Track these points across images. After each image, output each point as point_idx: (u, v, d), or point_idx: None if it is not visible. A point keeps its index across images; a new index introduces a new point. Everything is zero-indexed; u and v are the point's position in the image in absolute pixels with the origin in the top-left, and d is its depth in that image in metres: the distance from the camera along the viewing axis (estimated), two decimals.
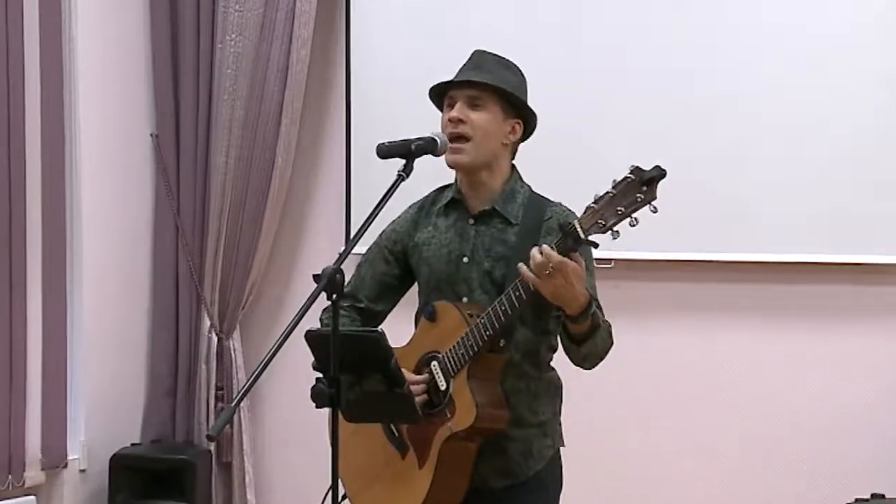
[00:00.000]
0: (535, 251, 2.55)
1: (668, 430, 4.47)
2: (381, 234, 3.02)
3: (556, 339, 2.84)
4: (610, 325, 2.73)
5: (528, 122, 2.87)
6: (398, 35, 4.68)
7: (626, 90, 4.38)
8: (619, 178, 2.46)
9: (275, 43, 4.74)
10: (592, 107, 4.41)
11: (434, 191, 3.01)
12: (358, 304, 2.98)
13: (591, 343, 2.67)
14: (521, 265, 2.58)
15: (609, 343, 2.73)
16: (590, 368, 2.77)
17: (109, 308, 4.77)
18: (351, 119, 4.74)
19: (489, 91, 2.80)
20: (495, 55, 2.86)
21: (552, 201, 2.87)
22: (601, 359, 2.74)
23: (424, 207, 2.98)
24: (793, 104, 4.23)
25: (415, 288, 3.01)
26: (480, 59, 2.85)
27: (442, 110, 2.88)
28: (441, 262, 2.87)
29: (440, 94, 2.88)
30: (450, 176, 2.91)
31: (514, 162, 2.91)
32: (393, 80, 4.63)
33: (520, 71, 2.88)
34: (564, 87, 4.39)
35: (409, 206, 3.01)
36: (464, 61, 2.87)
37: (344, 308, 2.94)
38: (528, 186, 2.91)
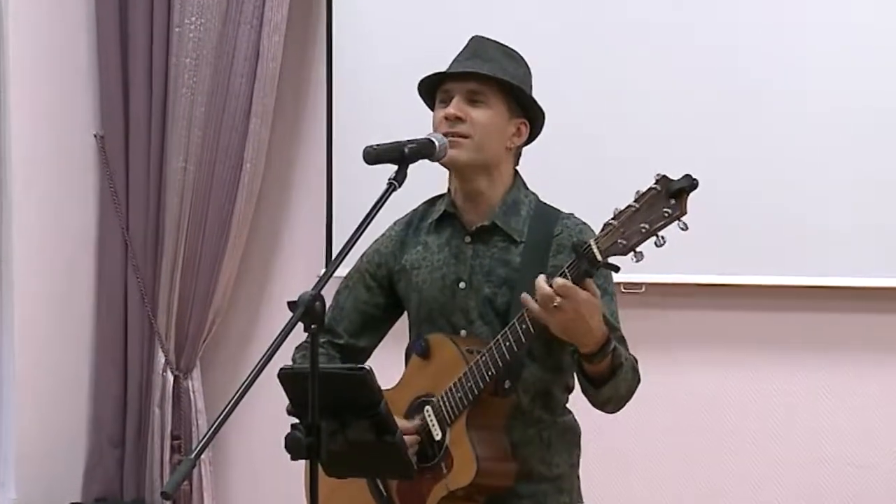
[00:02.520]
0: (540, 280, 2.56)
1: (706, 484, 4.47)
2: (362, 257, 3.02)
3: (573, 376, 2.86)
4: (635, 361, 2.74)
5: (534, 122, 2.88)
6: (389, 19, 4.70)
7: (651, 85, 4.39)
8: (642, 190, 2.48)
9: (242, 27, 4.77)
10: (611, 105, 4.42)
11: (423, 203, 3.01)
12: (336, 340, 2.98)
13: (611, 385, 2.68)
14: (525, 296, 2.59)
15: (635, 382, 2.74)
16: (613, 412, 2.78)
17: (44, 342, 4.78)
18: (333, 118, 4.75)
19: (492, 85, 2.80)
20: (497, 42, 2.87)
21: (563, 212, 2.88)
22: (626, 401, 2.75)
23: (412, 223, 2.98)
24: (854, 98, 4.24)
25: (404, 319, 3.02)
26: (480, 46, 2.86)
27: (433, 108, 2.89)
28: (433, 289, 2.88)
29: (432, 89, 2.89)
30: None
31: (517, 168, 2.92)
32: (383, 71, 4.64)
33: (524, 61, 2.89)
34: (577, 83, 4.42)
35: (395, 223, 3.01)
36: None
37: (320, 344, 2.93)
38: (534, 195, 2.92)
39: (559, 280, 2.53)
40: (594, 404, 2.76)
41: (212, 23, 4.77)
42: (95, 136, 4.96)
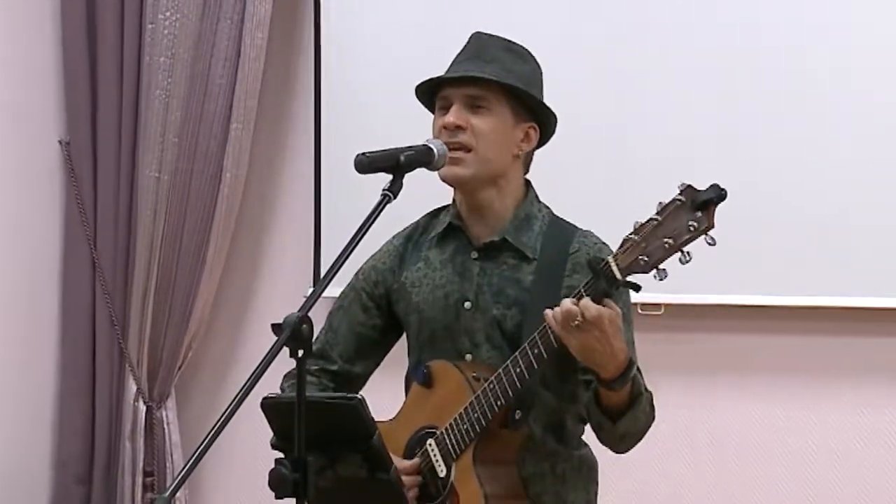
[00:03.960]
0: (566, 300, 2.56)
1: None
2: (357, 274, 3.03)
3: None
4: (651, 395, 2.75)
5: (544, 125, 2.89)
6: (384, 13, 4.70)
7: (674, 87, 4.40)
8: (665, 202, 2.49)
9: (222, 23, 4.77)
10: (630, 108, 4.42)
11: (425, 216, 3.02)
12: (330, 366, 2.99)
13: (630, 418, 2.69)
14: (548, 312, 2.59)
15: (651, 419, 2.75)
16: (624, 452, 2.79)
17: (2, 369, 4.78)
18: (321, 123, 4.76)
19: (494, 88, 2.81)
20: (501, 39, 2.88)
21: (579, 228, 2.89)
22: (640, 439, 2.76)
23: (413, 238, 2.99)
24: None
25: (402, 343, 3.03)
26: (482, 45, 2.86)
27: (434, 113, 2.89)
28: (436, 309, 2.89)
29: (431, 93, 2.89)
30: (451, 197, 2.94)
31: (527, 177, 2.93)
32: (377, 71, 4.65)
33: (532, 57, 2.89)
34: (593, 82, 4.42)
35: (393, 237, 3.03)
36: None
37: (311, 372, 2.95)
38: (548, 209, 2.93)
39: (589, 304, 2.53)
40: (607, 442, 2.77)
41: (188, 18, 4.78)
42: (60, 142, 4.97)
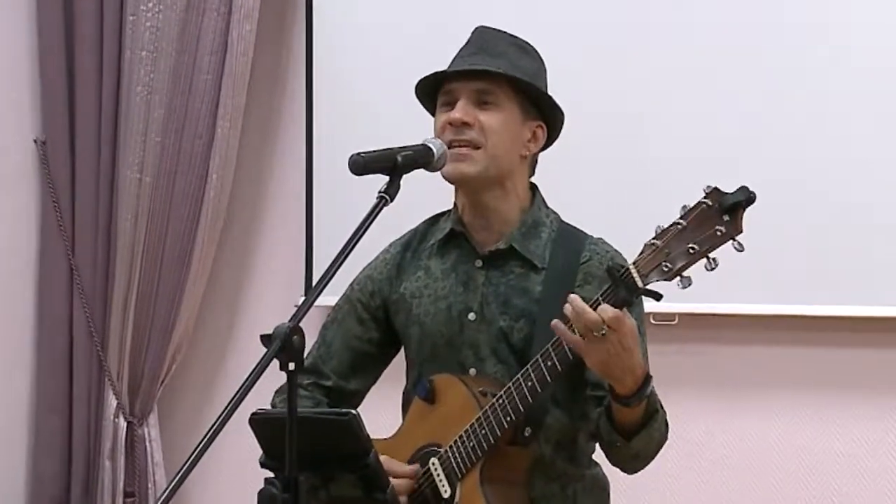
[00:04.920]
0: (582, 304, 2.54)
1: None
2: (352, 285, 3.03)
3: None
4: (665, 412, 2.75)
5: (552, 124, 2.90)
6: (379, 2, 4.71)
7: (698, 82, 4.40)
8: (690, 205, 2.50)
9: (208, 14, 4.78)
10: (651, 104, 4.42)
11: (424, 222, 3.02)
12: (323, 382, 2.99)
13: (644, 436, 2.69)
14: (559, 324, 2.58)
15: (664, 438, 2.76)
16: (634, 472, 2.80)
17: None
18: (313, 121, 4.77)
19: (503, 83, 2.82)
20: (506, 33, 2.89)
21: (589, 236, 2.90)
22: (652, 459, 2.77)
23: (411, 246, 3.00)
24: None
25: (400, 358, 3.03)
26: (488, 39, 2.87)
27: (434, 113, 2.90)
28: (438, 322, 2.89)
29: (432, 91, 2.89)
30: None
31: (532, 180, 2.94)
32: (373, 66, 4.66)
33: (538, 54, 2.91)
34: (609, 79, 4.43)
35: (390, 245, 3.03)
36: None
37: (304, 387, 2.95)
38: (556, 215, 2.94)
39: (607, 308, 2.53)
40: (617, 461, 2.77)
41: (172, 10, 4.79)
42: (36, 141, 4.98)
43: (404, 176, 2.67)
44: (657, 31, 4.43)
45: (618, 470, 2.85)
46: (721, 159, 4.27)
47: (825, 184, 4.30)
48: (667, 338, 4.16)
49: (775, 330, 4.40)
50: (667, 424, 2.75)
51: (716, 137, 4.36)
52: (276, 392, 2.95)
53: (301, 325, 2.36)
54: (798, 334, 4.39)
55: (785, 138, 4.32)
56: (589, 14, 4.49)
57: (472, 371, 2.85)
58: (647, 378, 2.63)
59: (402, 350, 3.02)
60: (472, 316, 2.87)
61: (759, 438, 4.45)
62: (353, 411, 2.58)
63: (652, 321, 4.08)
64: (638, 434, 2.68)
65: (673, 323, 4.29)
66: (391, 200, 2.61)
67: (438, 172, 2.80)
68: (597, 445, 2.90)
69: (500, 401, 2.70)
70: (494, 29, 2.90)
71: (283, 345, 2.32)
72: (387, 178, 2.65)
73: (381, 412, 2.90)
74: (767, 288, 4.32)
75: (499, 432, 2.70)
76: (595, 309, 2.53)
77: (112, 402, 4.91)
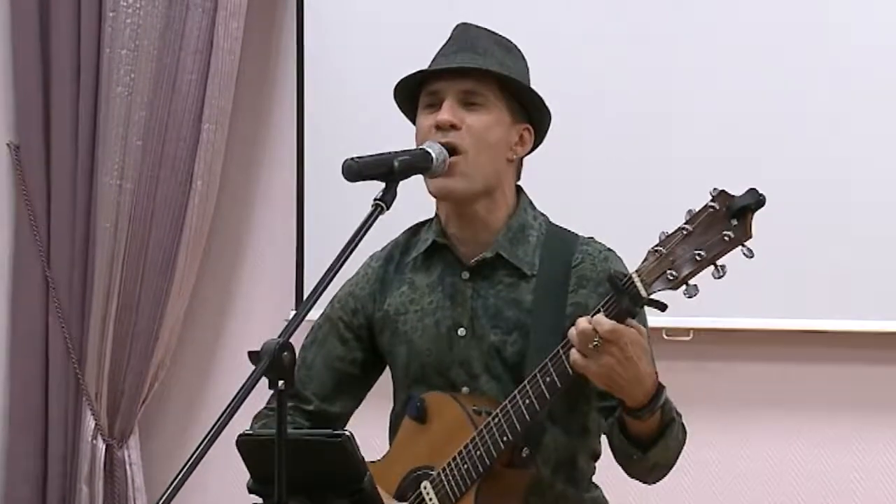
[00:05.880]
0: (581, 319, 2.56)
1: None
2: (332, 302, 3.03)
3: (600, 441, 2.88)
4: (681, 416, 2.75)
5: (539, 127, 2.91)
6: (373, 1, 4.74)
7: (705, 80, 4.41)
8: (696, 209, 2.50)
9: (192, 11, 4.79)
10: (655, 103, 4.43)
11: (404, 233, 3.02)
12: (304, 406, 2.99)
13: (661, 446, 2.69)
14: (571, 331, 2.57)
15: (683, 443, 2.75)
16: (654, 483, 2.79)
17: None
18: (304, 124, 4.77)
19: (491, 83, 2.82)
20: (490, 31, 2.89)
21: (580, 236, 2.90)
22: (672, 467, 2.77)
23: (393, 259, 2.99)
24: None
25: (385, 379, 3.03)
26: (472, 36, 2.87)
27: (413, 117, 2.89)
28: (427, 339, 2.89)
29: (412, 92, 2.89)
30: None
31: (519, 183, 2.93)
32: (366, 66, 4.66)
33: (521, 53, 2.92)
34: (610, 78, 4.44)
35: (371, 258, 3.02)
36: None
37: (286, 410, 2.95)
38: (544, 217, 2.94)
39: (602, 319, 2.53)
40: (636, 473, 2.77)
41: (154, 6, 4.79)
42: (9, 145, 4.98)
43: (402, 182, 2.67)
44: (673, 30, 4.46)
45: (622, 493, 2.86)
46: (738, 159, 4.29)
47: (850, 191, 4.31)
48: (680, 354, 4.16)
49: (797, 346, 4.41)
50: (685, 430, 2.75)
51: (727, 137, 4.37)
52: (255, 417, 2.96)
53: (291, 340, 2.36)
54: (821, 350, 4.40)
55: (805, 141, 4.33)
56: (598, 12, 4.51)
57: (465, 390, 2.85)
58: (659, 388, 2.63)
59: (388, 370, 3.02)
60: (461, 331, 2.87)
61: (778, 462, 4.46)
62: (347, 432, 2.58)
63: (664, 336, 4.09)
64: (655, 445, 2.68)
65: (687, 339, 4.29)
66: (387, 208, 2.62)
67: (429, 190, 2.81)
68: (597, 466, 2.91)
69: (496, 420, 2.70)
70: (477, 26, 2.90)
71: (273, 362, 2.32)
72: (383, 185, 2.65)
73: (372, 434, 2.90)
74: (789, 301, 4.33)
75: (495, 453, 2.70)
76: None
77: (90, 422, 4.91)
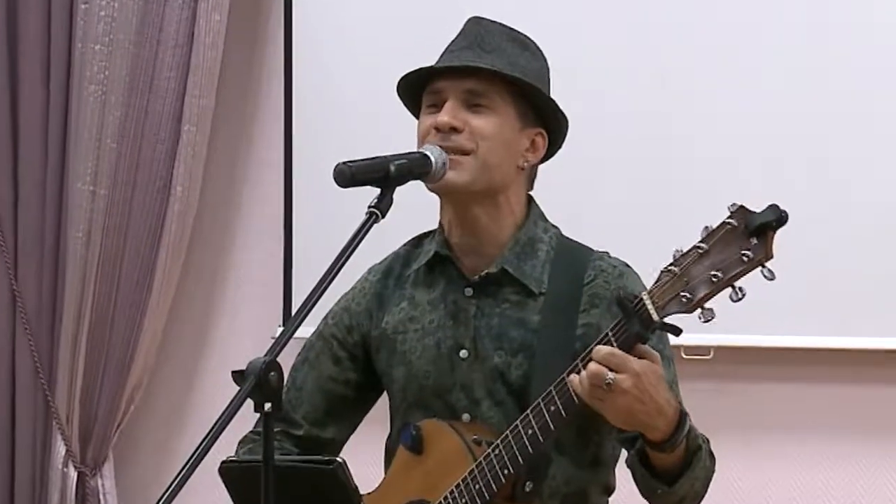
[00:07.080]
0: (593, 364, 2.53)
1: None
2: (325, 319, 3.03)
3: (613, 474, 2.88)
4: (708, 442, 2.74)
5: (554, 132, 2.90)
6: None
7: (723, 90, 4.42)
8: (713, 226, 2.50)
9: (171, 3, 4.79)
10: (672, 115, 4.44)
11: (405, 245, 3.02)
12: (293, 431, 2.99)
13: (689, 478, 2.68)
14: (574, 377, 2.57)
15: (712, 471, 2.75)
16: None
17: None
18: (293, 125, 4.79)
19: (499, 83, 2.81)
20: (504, 26, 2.88)
21: (594, 251, 2.89)
22: (701, 499, 2.76)
23: (393, 272, 3.00)
24: None
25: (382, 403, 3.03)
26: (482, 32, 2.87)
27: (417, 114, 2.90)
28: (426, 360, 2.89)
29: (417, 90, 2.89)
30: None
31: (531, 193, 2.93)
32: (360, 62, 4.67)
33: (540, 52, 2.91)
34: (623, 83, 4.45)
35: (369, 272, 3.03)
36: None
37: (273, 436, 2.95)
38: (556, 230, 2.94)
39: (605, 349, 2.53)
40: None
41: None
42: None
43: (399, 188, 2.67)
44: (690, 30, 4.48)
45: None
46: (752, 175, 4.31)
47: (875, 204, 4.33)
48: (701, 373, 4.17)
49: (824, 365, 4.42)
50: (713, 456, 2.75)
51: (746, 150, 4.39)
52: (241, 442, 2.95)
53: (279, 359, 2.37)
54: (850, 370, 4.42)
55: (829, 152, 4.36)
56: (609, 10, 4.53)
57: (466, 416, 2.85)
58: (683, 416, 2.62)
59: (385, 393, 3.02)
60: (463, 353, 2.86)
61: (805, 486, 4.48)
62: (339, 459, 2.58)
63: (683, 355, 4.08)
64: (682, 476, 2.67)
65: (708, 357, 4.30)
66: (382, 216, 2.62)
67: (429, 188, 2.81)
68: (610, 500, 2.90)
69: (497, 451, 2.70)
70: (490, 20, 2.89)
71: (258, 383, 2.32)
72: (378, 191, 2.65)
73: (367, 461, 2.91)
74: (814, 317, 4.34)
75: (495, 487, 2.70)
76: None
77: (60, 448, 4.91)
